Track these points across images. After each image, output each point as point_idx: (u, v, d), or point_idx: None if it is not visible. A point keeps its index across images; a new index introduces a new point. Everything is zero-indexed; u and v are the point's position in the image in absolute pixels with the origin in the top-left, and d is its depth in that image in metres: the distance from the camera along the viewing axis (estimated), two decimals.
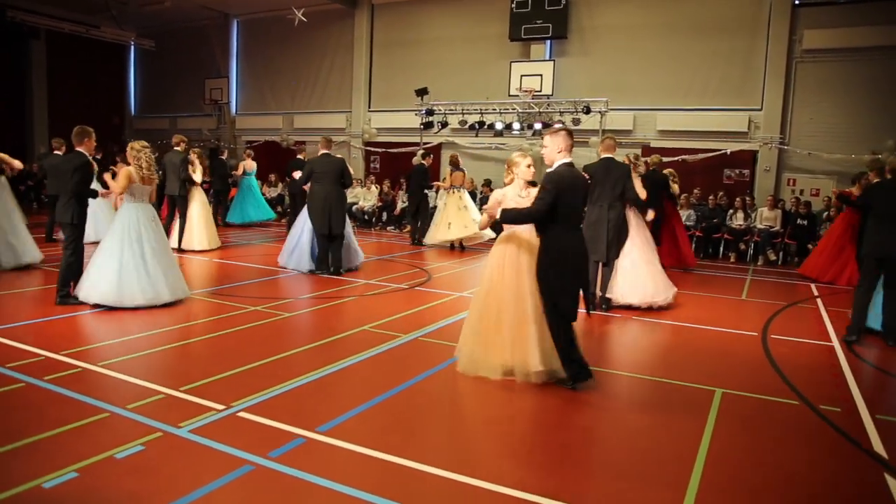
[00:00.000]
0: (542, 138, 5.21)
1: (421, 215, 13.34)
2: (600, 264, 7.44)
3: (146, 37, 20.71)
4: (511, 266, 5.02)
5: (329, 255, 9.20)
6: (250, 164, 15.31)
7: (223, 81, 20.52)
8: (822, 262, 10.39)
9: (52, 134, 18.55)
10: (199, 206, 11.27)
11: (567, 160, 4.86)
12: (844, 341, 6.47)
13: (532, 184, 5.25)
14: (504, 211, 4.93)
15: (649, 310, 7.55)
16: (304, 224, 9.52)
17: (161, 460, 3.43)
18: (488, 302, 5.03)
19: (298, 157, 13.93)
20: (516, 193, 5.15)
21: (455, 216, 12.48)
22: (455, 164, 12.80)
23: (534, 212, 4.77)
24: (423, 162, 13.32)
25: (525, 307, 4.91)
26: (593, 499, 3.26)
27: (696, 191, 13.70)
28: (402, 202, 15.95)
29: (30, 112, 20.10)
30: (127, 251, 6.66)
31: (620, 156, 7.88)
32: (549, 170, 4.90)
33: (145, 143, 7.04)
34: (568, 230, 4.83)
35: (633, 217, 7.78)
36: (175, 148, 11.16)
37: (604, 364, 5.44)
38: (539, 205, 4.72)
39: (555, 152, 4.89)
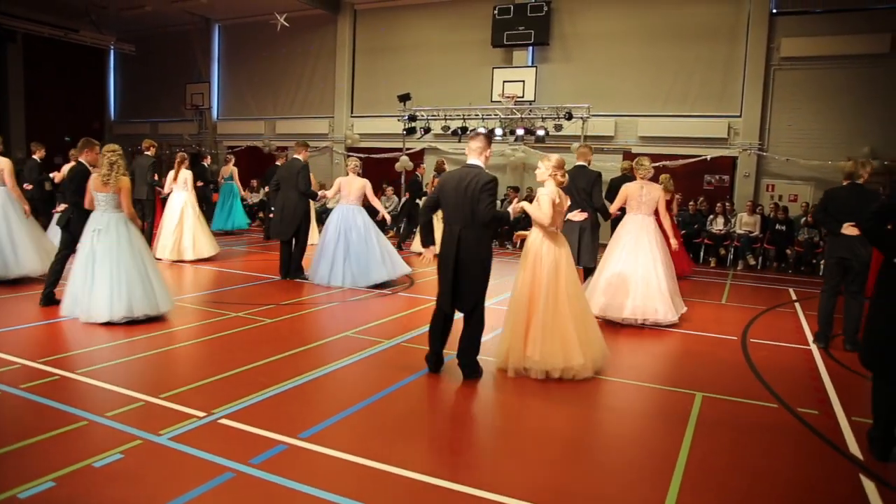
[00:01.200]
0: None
1: (412, 221, 13.44)
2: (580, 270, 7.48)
3: (126, 41, 20.50)
4: (542, 264, 5.23)
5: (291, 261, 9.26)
6: (227, 170, 15.15)
7: (204, 86, 20.37)
8: None
9: (29, 139, 18.27)
10: (191, 213, 10.90)
11: (471, 161, 5.16)
12: (818, 346, 6.55)
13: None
14: None
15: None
16: (325, 236, 9.05)
17: (141, 468, 3.39)
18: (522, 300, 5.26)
19: (277, 163, 13.86)
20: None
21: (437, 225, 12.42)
22: (439, 171, 12.78)
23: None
24: (417, 172, 13.51)
25: (553, 305, 5.15)
26: (574, 502, 3.27)
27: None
28: (384, 207, 15.93)
29: (6, 116, 19.79)
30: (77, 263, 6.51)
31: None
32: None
33: (112, 147, 6.56)
34: (447, 228, 5.08)
35: (652, 228, 7.38)
36: (145, 152, 11.04)
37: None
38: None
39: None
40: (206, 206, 14.82)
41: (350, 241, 8.87)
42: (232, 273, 9.74)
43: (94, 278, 6.29)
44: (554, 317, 5.12)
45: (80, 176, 6.88)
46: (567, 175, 5.48)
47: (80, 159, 7.00)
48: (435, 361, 5.25)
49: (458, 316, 5.19)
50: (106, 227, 6.41)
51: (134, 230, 6.63)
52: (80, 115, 21.20)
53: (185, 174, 10.94)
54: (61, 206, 6.95)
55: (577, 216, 6.66)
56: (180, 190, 10.89)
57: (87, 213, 6.77)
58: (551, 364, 5.09)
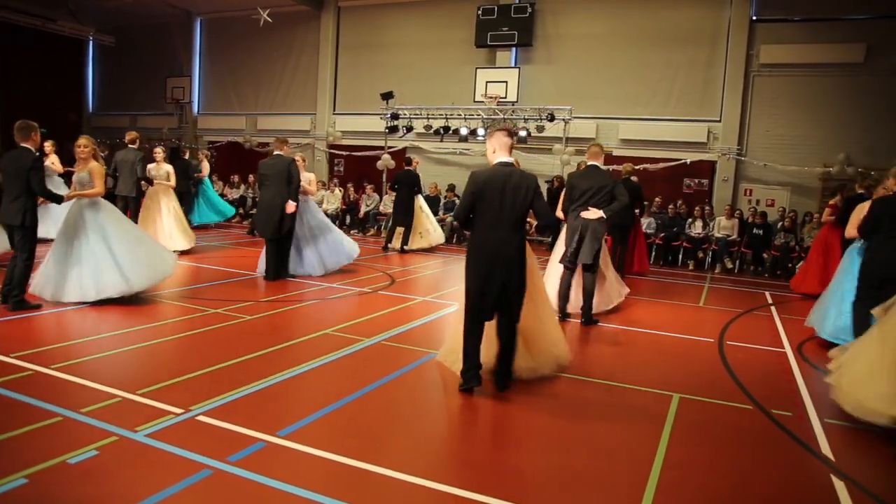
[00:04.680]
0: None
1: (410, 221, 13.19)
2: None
3: (106, 32, 20.22)
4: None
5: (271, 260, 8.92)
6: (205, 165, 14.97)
7: (185, 80, 20.19)
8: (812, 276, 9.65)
9: (3, 130, 17.93)
10: (166, 206, 10.79)
11: (506, 159, 4.84)
12: None
13: None
14: None
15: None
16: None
17: (116, 465, 3.35)
18: None
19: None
20: None
21: (417, 222, 12.66)
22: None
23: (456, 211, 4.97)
24: (410, 168, 13.24)
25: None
26: (552, 501, 3.29)
27: (656, 199, 13.95)
28: (365, 205, 15.90)
29: None
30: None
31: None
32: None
33: (88, 139, 7.07)
34: (486, 232, 4.74)
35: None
36: (130, 145, 10.86)
37: (563, 369, 5.49)
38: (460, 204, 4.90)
39: (489, 152, 4.94)
40: (188, 201, 14.55)
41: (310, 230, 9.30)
42: (211, 269, 9.66)
43: (116, 257, 6.80)
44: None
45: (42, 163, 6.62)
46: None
47: (26, 145, 6.47)
48: (476, 375, 4.78)
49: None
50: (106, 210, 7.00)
51: (105, 212, 6.98)
52: (58, 106, 20.84)
53: (167, 168, 10.87)
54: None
55: (591, 214, 6.74)
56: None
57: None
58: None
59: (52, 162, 11.67)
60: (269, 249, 8.90)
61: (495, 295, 4.69)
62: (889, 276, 5.42)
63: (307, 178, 9.47)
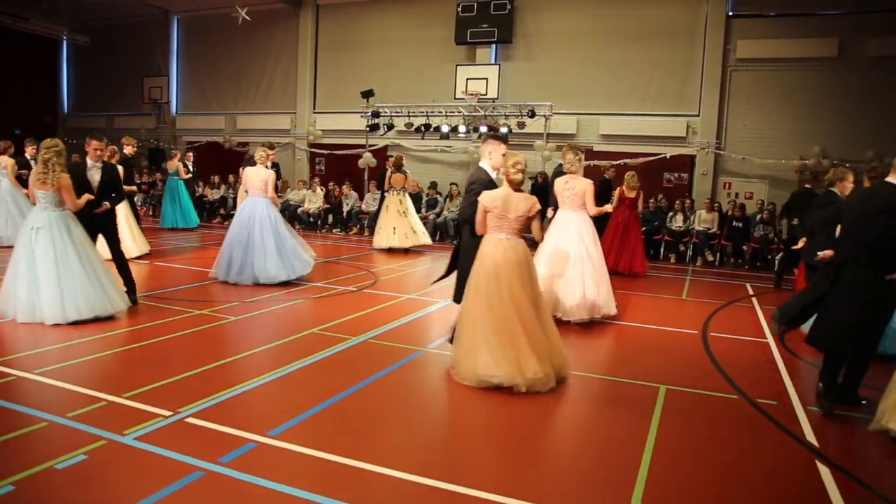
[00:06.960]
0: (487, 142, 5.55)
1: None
2: None
3: (80, 31, 19.92)
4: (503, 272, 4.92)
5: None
6: (171, 164, 14.39)
7: (163, 80, 19.93)
8: None
9: None
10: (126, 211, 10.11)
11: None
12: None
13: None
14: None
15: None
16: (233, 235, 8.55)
17: (105, 469, 3.32)
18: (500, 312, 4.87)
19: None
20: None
21: (396, 221, 12.35)
22: (397, 167, 12.63)
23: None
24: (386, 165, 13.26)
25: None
26: (543, 496, 3.31)
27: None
28: (346, 204, 15.84)
29: None
30: (20, 262, 6.08)
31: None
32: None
33: (48, 144, 6.14)
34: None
35: (576, 223, 7.19)
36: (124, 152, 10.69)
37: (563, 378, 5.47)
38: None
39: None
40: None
41: (264, 235, 8.44)
42: (194, 270, 9.57)
43: (39, 279, 5.98)
44: (514, 326, 4.82)
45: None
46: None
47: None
48: None
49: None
50: (46, 226, 6.08)
51: (78, 229, 6.29)
52: (32, 107, 20.52)
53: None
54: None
55: None
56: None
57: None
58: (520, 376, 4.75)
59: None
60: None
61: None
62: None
63: (263, 178, 8.53)
